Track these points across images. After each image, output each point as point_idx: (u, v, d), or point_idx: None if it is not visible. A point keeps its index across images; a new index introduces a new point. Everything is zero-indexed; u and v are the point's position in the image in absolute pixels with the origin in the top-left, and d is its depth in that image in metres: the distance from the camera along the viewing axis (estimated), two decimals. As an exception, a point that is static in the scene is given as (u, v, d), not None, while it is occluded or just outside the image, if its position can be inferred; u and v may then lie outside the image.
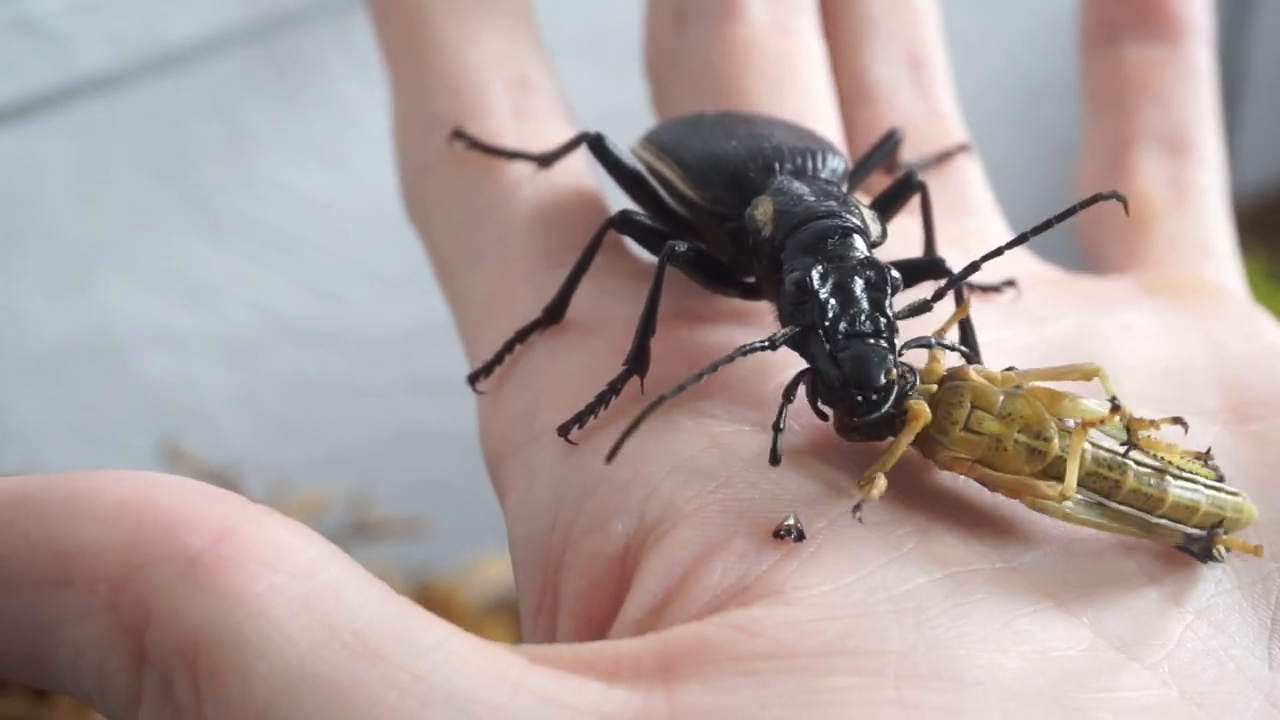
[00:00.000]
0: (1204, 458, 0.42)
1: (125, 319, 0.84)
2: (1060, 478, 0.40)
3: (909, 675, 0.35)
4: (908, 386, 0.41)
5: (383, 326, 0.92)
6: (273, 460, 0.88)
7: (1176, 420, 0.42)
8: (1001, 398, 0.41)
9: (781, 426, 0.40)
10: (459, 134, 0.51)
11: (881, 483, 0.39)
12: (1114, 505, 0.40)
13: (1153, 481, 0.40)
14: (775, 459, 0.40)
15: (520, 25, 0.55)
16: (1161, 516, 0.40)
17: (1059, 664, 0.37)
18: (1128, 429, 0.41)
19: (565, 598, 0.41)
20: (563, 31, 0.57)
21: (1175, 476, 0.41)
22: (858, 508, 0.38)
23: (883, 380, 0.40)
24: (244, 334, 0.87)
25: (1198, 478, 0.41)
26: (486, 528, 0.86)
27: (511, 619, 0.86)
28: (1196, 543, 0.40)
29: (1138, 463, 0.41)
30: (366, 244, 0.89)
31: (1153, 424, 0.41)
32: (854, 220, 0.44)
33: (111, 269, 0.82)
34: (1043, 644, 0.37)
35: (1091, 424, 0.40)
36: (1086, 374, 0.41)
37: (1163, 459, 0.41)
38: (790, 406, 0.42)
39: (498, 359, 0.46)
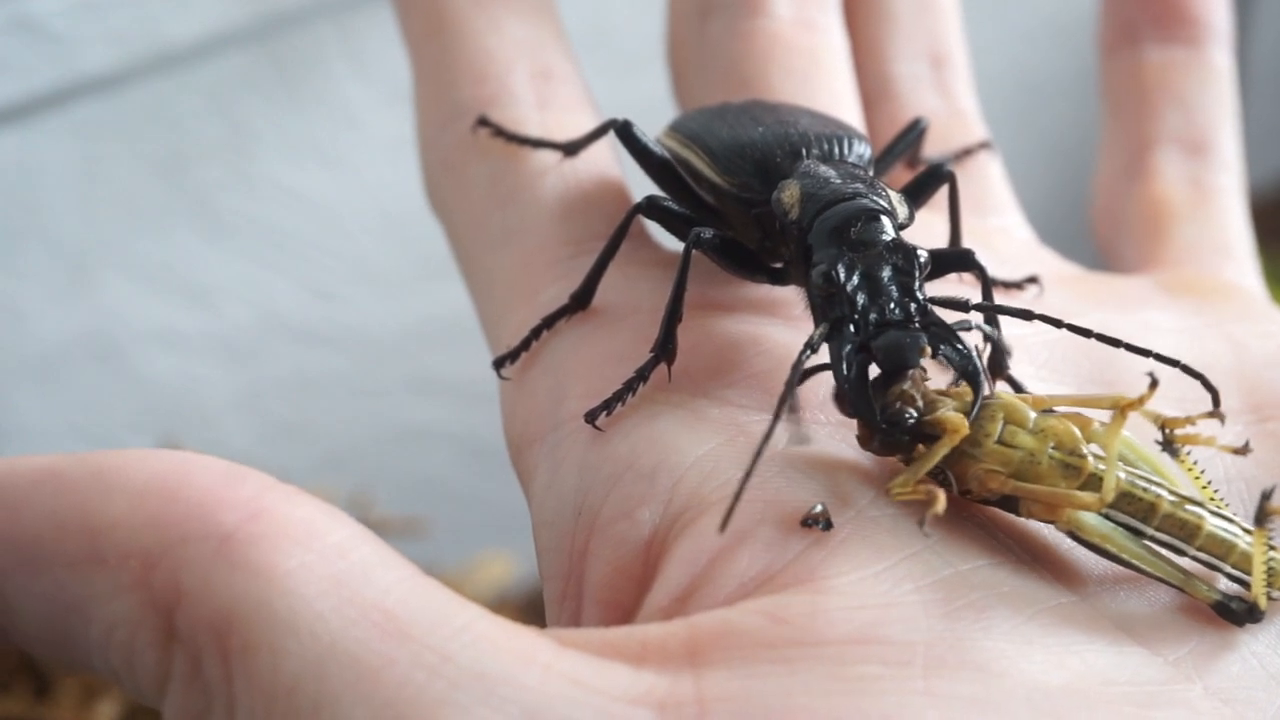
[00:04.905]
0: (1242, 451, 0.41)
1: (125, 319, 0.83)
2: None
3: (936, 665, 0.35)
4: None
5: (383, 326, 0.91)
6: (273, 460, 0.87)
7: (1214, 414, 0.41)
8: (1034, 415, 0.40)
9: (795, 409, 0.39)
10: (484, 121, 0.51)
11: (942, 498, 0.38)
12: (1150, 533, 0.40)
13: (1188, 507, 0.40)
14: (805, 440, 0.39)
15: (542, 15, 0.55)
16: (1199, 549, 0.40)
17: (1083, 657, 0.37)
18: (1162, 428, 0.41)
19: (590, 584, 0.41)
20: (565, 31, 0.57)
21: (1212, 513, 0.40)
22: (923, 521, 0.38)
23: (918, 362, 0.40)
24: (244, 334, 0.87)
25: (1236, 518, 0.41)
26: (486, 528, 0.87)
27: (512, 618, 0.85)
28: (1235, 600, 0.39)
29: (1171, 491, 0.40)
30: (366, 244, 0.89)
31: (1189, 420, 0.41)
32: (881, 202, 0.44)
33: (111, 269, 0.82)
34: (1067, 637, 0.37)
35: (1131, 408, 0.40)
36: (1117, 402, 0.40)
37: (1197, 492, 0.41)
38: (819, 400, 0.42)
39: (524, 345, 0.46)
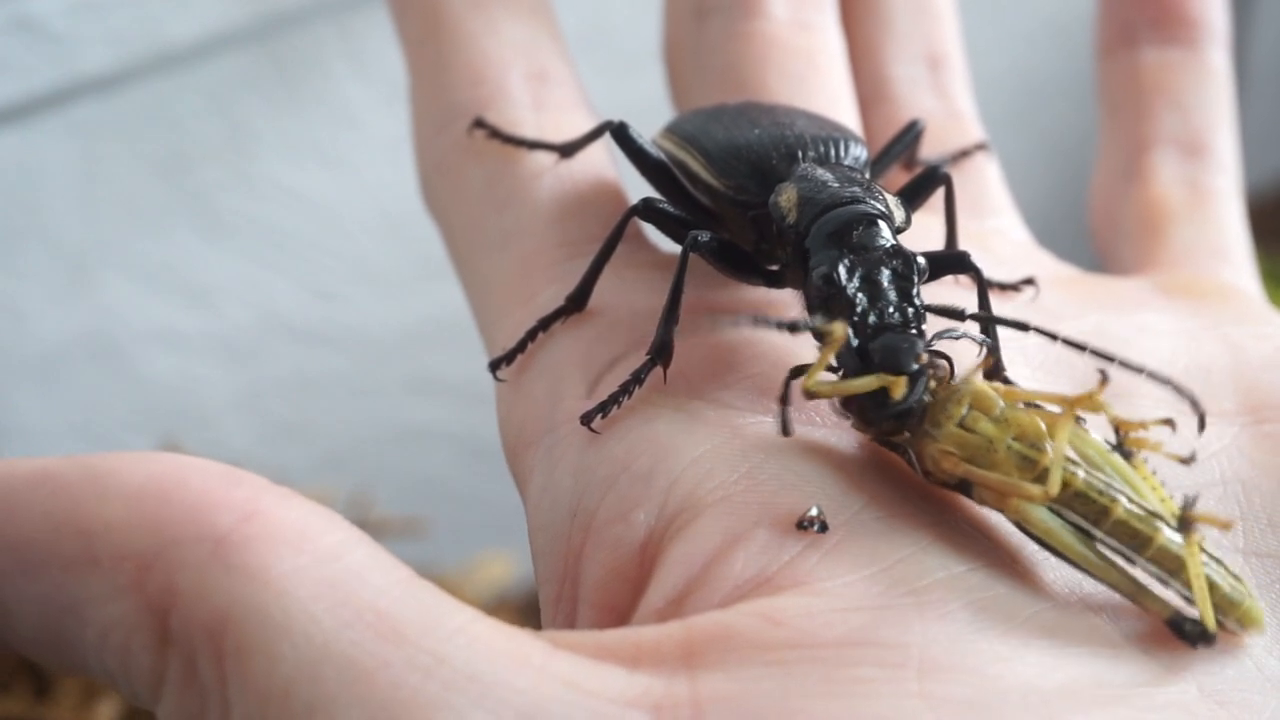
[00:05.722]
0: (1187, 461, 0.40)
1: (125, 319, 0.83)
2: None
3: (931, 667, 0.35)
4: (931, 379, 0.41)
5: (383, 326, 0.91)
6: (273, 460, 0.87)
7: (1167, 421, 0.41)
8: (1002, 405, 0.40)
9: (788, 401, 0.40)
10: (479, 123, 0.51)
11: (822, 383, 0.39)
12: (1100, 536, 0.39)
13: (1150, 520, 0.39)
14: (786, 430, 0.40)
15: (539, 16, 0.54)
16: (1149, 561, 0.39)
17: (1078, 659, 0.36)
18: (1115, 429, 0.41)
19: (585, 587, 0.41)
20: (563, 31, 0.56)
21: (1172, 527, 0.39)
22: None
23: (914, 367, 0.40)
24: (244, 334, 0.87)
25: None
26: (486, 528, 0.87)
27: (512, 618, 0.85)
28: (1189, 621, 0.38)
29: (1130, 499, 0.39)
30: (366, 244, 0.89)
31: (1141, 425, 0.41)
32: (879, 206, 0.44)
33: (111, 269, 0.82)
34: (1061, 639, 0.37)
35: (1078, 405, 0.40)
36: (1065, 399, 0.40)
37: (1159, 506, 0.40)
38: (813, 402, 0.42)
39: (520, 347, 0.46)
